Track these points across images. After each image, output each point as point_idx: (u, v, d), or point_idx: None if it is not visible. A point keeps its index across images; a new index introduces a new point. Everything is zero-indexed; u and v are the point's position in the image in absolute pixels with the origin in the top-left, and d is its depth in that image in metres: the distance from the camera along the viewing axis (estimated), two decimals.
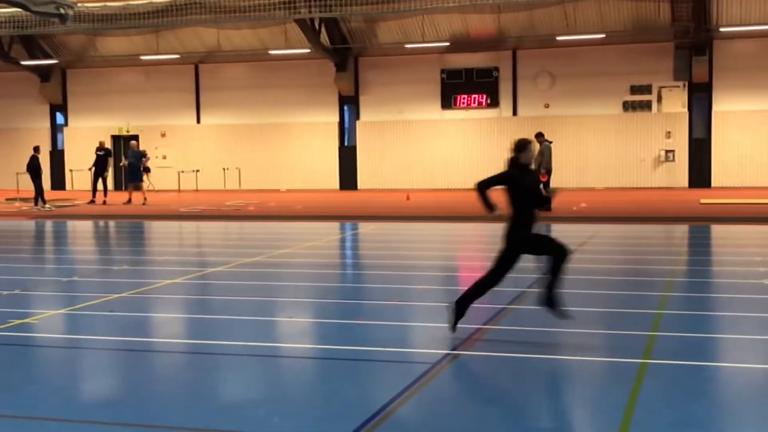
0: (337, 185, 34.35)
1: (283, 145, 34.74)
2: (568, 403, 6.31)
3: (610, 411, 5.83)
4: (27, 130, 36.83)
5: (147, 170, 28.23)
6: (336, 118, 34.47)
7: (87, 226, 21.70)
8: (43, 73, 36.02)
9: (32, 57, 34.54)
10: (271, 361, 7.47)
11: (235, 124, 35.21)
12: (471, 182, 8.80)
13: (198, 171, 33.83)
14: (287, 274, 12.53)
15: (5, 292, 10.77)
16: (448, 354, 7.32)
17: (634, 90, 31.42)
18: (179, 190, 33.13)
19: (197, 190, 33.35)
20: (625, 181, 31.43)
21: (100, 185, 27.59)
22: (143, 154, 27.73)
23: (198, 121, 35.74)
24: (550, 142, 22.02)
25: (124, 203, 26.57)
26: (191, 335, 8.74)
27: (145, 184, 27.83)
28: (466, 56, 32.70)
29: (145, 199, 26.64)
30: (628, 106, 31.54)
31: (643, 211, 21.51)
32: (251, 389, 6.62)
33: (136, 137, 32.71)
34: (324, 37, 31.91)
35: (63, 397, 6.47)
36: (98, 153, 27.96)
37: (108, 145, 30.16)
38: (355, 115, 34.30)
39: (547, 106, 32.26)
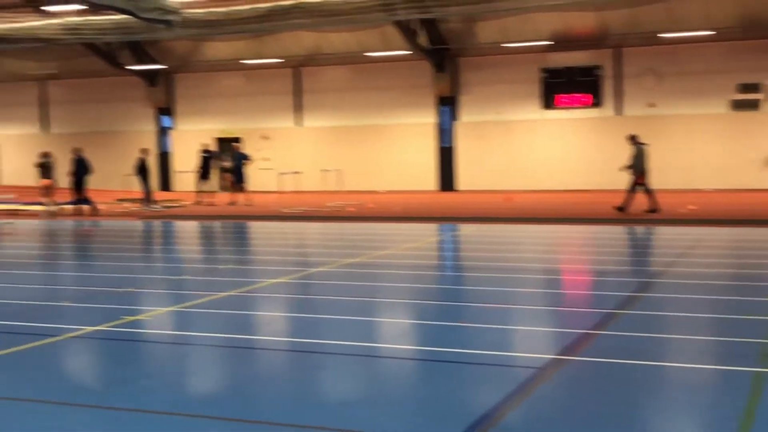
0: (435, 186, 34.32)
1: (381, 146, 34.91)
2: (680, 412, 6.12)
3: (724, 421, 5.63)
4: (134, 133, 37.99)
5: (229, 170, 28.60)
6: (433, 119, 34.43)
7: (193, 226, 22.23)
8: (150, 77, 37.08)
9: (139, 62, 35.60)
10: (372, 361, 7.48)
11: (334, 126, 35.56)
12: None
13: (298, 173, 34.26)
14: (388, 275, 12.56)
15: (118, 290, 11.12)
16: (554, 359, 7.20)
17: (742, 88, 30.40)
18: (280, 192, 33.63)
19: (298, 192, 33.78)
20: (733, 183, 30.43)
21: (204, 186, 28.27)
22: (245, 156, 28.25)
23: (298, 123, 36.21)
24: (645, 144, 21.52)
25: (228, 204, 27.14)
26: (294, 334, 8.85)
27: (219, 185, 28.32)
28: (567, 55, 32.24)
29: (242, 200, 27.11)
30: (735, 105, 30.54)
31: (753, 213, 20.79)
32: (353, 389, 6.64)
33: (238, 140, 33.33)
34: (422, 38, 31.91)
35: (172, 391, 6.64)
36: (203, 155, 28.63)
37: (212, 147, 30.84)
38: (453, 115, 34.19)
39: (652, 105, 31.51)
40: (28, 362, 7.50)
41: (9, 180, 39.08)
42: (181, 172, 35.71)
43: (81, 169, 25.52)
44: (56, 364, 7.74)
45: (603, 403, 6.21)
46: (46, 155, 25.53)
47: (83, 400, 6.33)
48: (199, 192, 28.54)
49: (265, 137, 36.01)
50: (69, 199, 25.89)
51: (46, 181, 25.12)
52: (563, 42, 31.65)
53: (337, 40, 33.42)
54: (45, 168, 25.17)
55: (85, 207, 25.32)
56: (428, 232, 19.65)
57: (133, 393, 6.50)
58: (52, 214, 24.58)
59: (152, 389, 6.64)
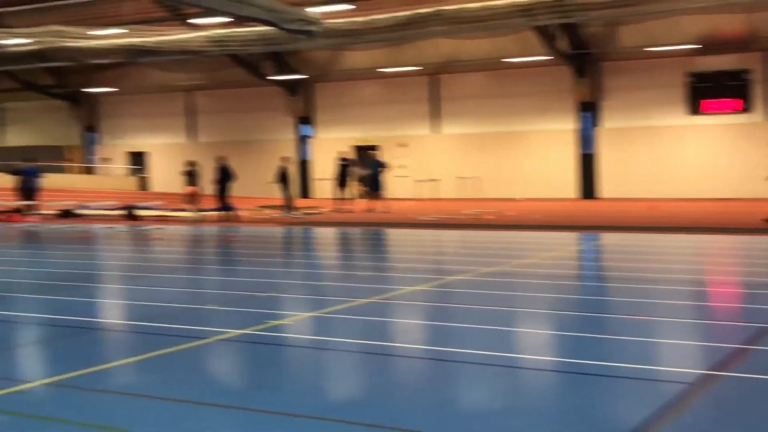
0: (575, 194, 33.69)
1: (519, 153, 34.55)
2: None
3: None
4: (275, 142, 38.97)
5: (366, 178, 28.80)
6: (573, 126, 33.82)
7: (331, 232, 22.56)
8: (291, 87, 37.95)
9: (281, 72, 36.50)
10: (513, 372, 7.36)
11: (471, 133, 35.44)
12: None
13: (436, 180, 34.30)
14: (528, 285, 12.36)
15: (262, 294, 11.39)
16: (705, 374, 6.89)
17: None
18: (417, 199, 33.75)
19: (435, 199, 33.80)
20: None
21: (342, 194, 28.70)
22: (383, 164, 28.49)
23: (435, 130, 36.27)
24: None
25: (365, 211, 27.44)
26: (434, 342, 8.81)
27: (356, 192, 28.53)
28: (714, 58, 31.08)
29: (380, 208, 27.32)
30: None
31: None
32: (493, 399, 6.55)
33: (375, 147, 33.67)
34: (562, 43, 31.41)
35: (315, 395, 6.72)
36: (341, 163, 29.07)
37: (350, 155, 31.26)
38: (595, 121, 33.48)
39: None
40: (178, 363, 7.75)
41: (158, 187, 40.78)
42: (320, 179, 36.36)
43: (224, 177, 26.34)
44: (204, 365, 7.97)
45: (760, 423, 5.90)
46: (191, 164, 26.47)
47: (229, 401, 6.49)
48: (337, 199, 28.97)
49: (402, 145, 36.24)
50: (213, 205, 26.76)
51: (191, 189, 26.03)
52: (710, 45, 30.52)
53: (475, 46, 33.31)
54: (191, 176, 26.10)
55: (228, 213, 26.11)
56: (569, 241, 19.27)
57: (277, 396, 6.63)
58: (197, 221, 25.45)
59: (295, 393, 6.75)
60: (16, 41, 28.60)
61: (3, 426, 6.01)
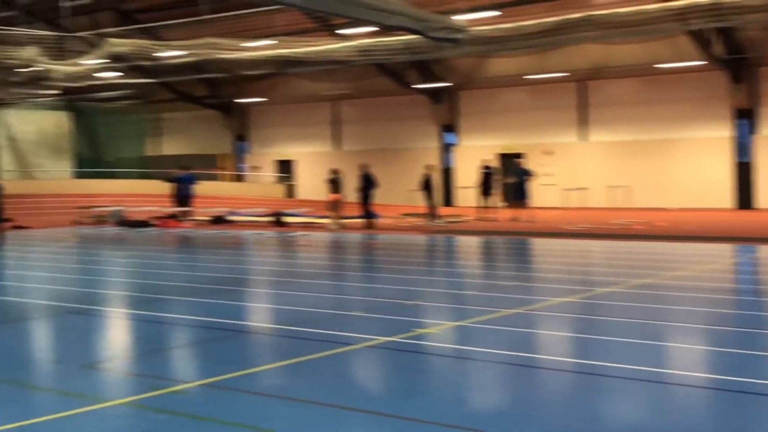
0: (731, 204, 32.30)
1: (671, 161, 33.43)
2: None
3: None
4: (419, 150, 39.13)
5: (511, 186, 28.42)
6: (729, 133, 32.45)
7: (475, 241, 22.42)
8: (435, 95, 38.04)
9: (425, 80, 36.63)
10: (662, 388, 7.06)
11: (620, 140, 34.56)
12: None
13: (584, 189, 33.59)
14: (681, 298, 11.87)
15: (407, 302, 11.41)
16: None
17: None
18: (564, 208, 33.16)
19: (583, 208, 33.10)
20: None
21: (486, 202, 28.52)
22: (528, 172, 28.12)
23: (582, 138, 35.57)
24: None
25: (509, 220, 27.15)
26: (581, 355, 8.58)
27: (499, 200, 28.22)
28: None
29: (525, 217, 26.96)
30: None
31: None
32: (639, 416, 6.30)
33: (520, 155, 33.28)
34: (717, 47, 30.21)
35: (460, 405, 6.67)
36: (484, 171, 28.91)
37: (493, 163, 31.02)
38: (751, 129, 32.03)
39: None
40: (326, 369, 7.84)
41: (304, 194, 41.67)
42: (463, 187, 36.24)
43: (368, 185, 26.63)
44: (351, 371, 8.03)
45: None
46: (335, 172, 26.92)
47: (375, 407, 6.51)
48: (481, 208, 28.80)
49: (548, 153, 35.70)
50: (356, 213, 27.10)
51: (334, 196, 26.46)
52: None
53: (625, 51, 32.47)
54: (334, 183, 26.55)
55: (371, 221, 26.37)
56: (724, 253, 18.46)
57: (422, 404, 6.61)
58: (340, 228, 25.83)
59: (441, 402, 6.72)
60: (173, 53, 29.86)
61: (162, 424, 6.22)
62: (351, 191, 27.45)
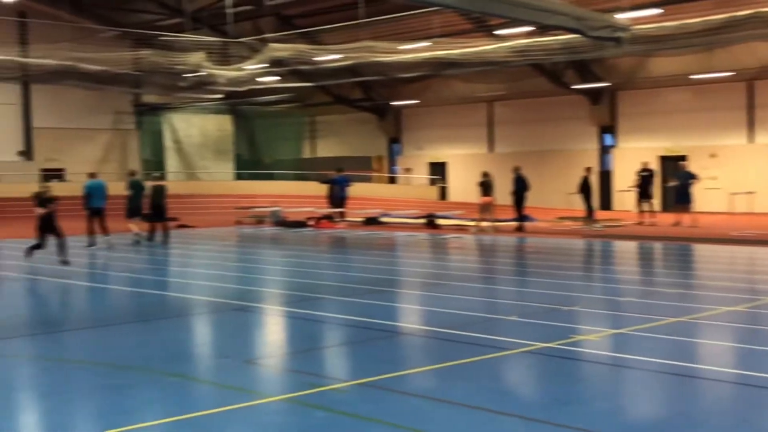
0: None
1: None
2: None
3: None
4: (575, 152, 38.33)
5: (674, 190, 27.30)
6: None
7: (633, 246, 21.73)
8: (594, 96, 37.16)
9: (583, 81, 35.84)
10: None
11: None
12: None
13: (752, 193, 31.98)
14: None
15: (564, 308, 11.15)
16: None
17: None
18: (730, 213, 31.70)
19: (751, 213, 31.52)
20: None
21: (645, 206, 27.62)
22: (692, 175, 27.03)
23: (751, 140, 33.92)
24: None
25: (671, 225, 26.19)
26: (745, 366, 8.13)
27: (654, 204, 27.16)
28: None
29: (687, 222, 25.92)
30: None
31: None
32: None
33: (684, 158, 32.04)
34: None
35: (617, 414, 6.50)
36: (641, 174, 28.01)
37: (653, 165, 29.97)
38: None
39: None
40: (481, 373, 7.76)
41: (455, 197, 41.57)
42: (621, 191, 35.23)
43: (520, 187, 26.24)
44: (507, 376, 7.92)
45: None
46: (486, 175, 26.70)
47: (530, 413, 6.40)
48: (640, 212, 27.91)
49: (714, 155, 34.21)
50: (508, 216, 26.79)
51: (486, 199, 26.25)
52: None
53: None
54: (485, 186, 26.33)
55: (524, 224, 25.99)
56: None
57: (579, 413, 6.45)
58: (491, 231, 25.62)
59: (599, 411, 6.54)
60: (330, 57, 30.45)
61: (321, 421, 6.30)
62: (503, 194, 27.15)
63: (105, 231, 21.59)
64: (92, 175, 22.83)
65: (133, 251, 21.02)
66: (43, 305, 13.28)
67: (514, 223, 26.26)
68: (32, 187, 21.76)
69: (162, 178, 24.51)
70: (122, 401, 6.87)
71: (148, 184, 23.74)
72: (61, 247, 17.61)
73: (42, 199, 17.99)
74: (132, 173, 24.03)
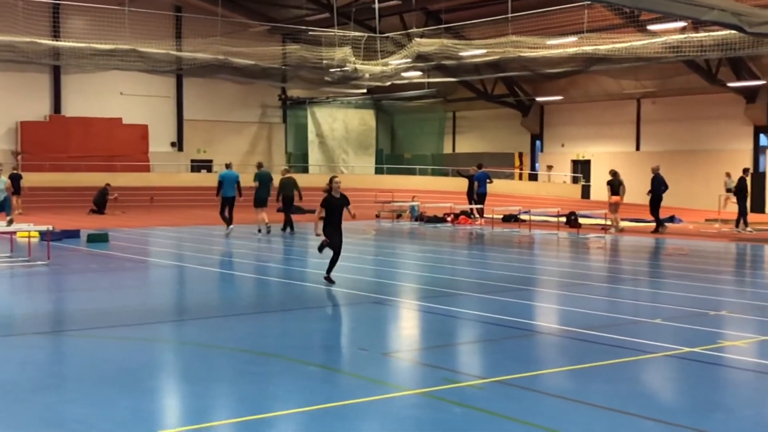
0: None
1: None
2: None
3: None
4: (726, 152, 36.80)
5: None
6: None
7: None
8: (749, 94, 35.58)
9: (738, 78, 34.36)
10: None
11: None
12: None
13: None
14: None
15: (711, 312, 10.74)
16: None
17: None
18: None
19: None
20: None
21: None
22: None
23: None
24: None
25: None
26: None
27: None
28: None
29: None
30: None
31: None
32: None
33: None
34: None
35: (763, 423, 6.23)
36: None
37: None
38: None
39: None
40: (623, 375, 7.58)
41: (598, 196, 40.66)
42: None
43: (658, 187, 25.36)
44: (649, 380, 7.69)
45: None
46: (614, 174, 26.06)
47: (673, 419, 6.22)
48: None
49: None
50: (644, 216, 26.01)
51: (615, 198, 25.62)
52: None
53: None
54: (613, 186, 25.71)
55: (661, 225, 25.13)
56: None
57: (724, 420, 6.25)
58: (619, 231, 24.98)
59: (745, 419, 6.30)
60: (475, 52, 30.31)
61: (458, 417, 6.29)
62: (641, 194, 26.36)
63: (230, 221, 22.40)
64: (227, 166, 23.68)
65: (269, 241, 21.58)
66: (187, 292, 13.79)
67: (652, 225, 25.41)
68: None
69: (289, 171, 25.14)
70: (263, 388, 7.06)
71: (277, 177, 24.37)
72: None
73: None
74: (260, 165, 24.72)
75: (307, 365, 7.81)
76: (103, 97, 40.41)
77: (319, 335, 9.54)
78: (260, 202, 23.32)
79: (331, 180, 13.42)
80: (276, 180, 23.99)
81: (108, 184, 32.92)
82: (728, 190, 32.70)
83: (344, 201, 13.29)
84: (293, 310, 11.17)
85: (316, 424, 6.12)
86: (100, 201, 32.04)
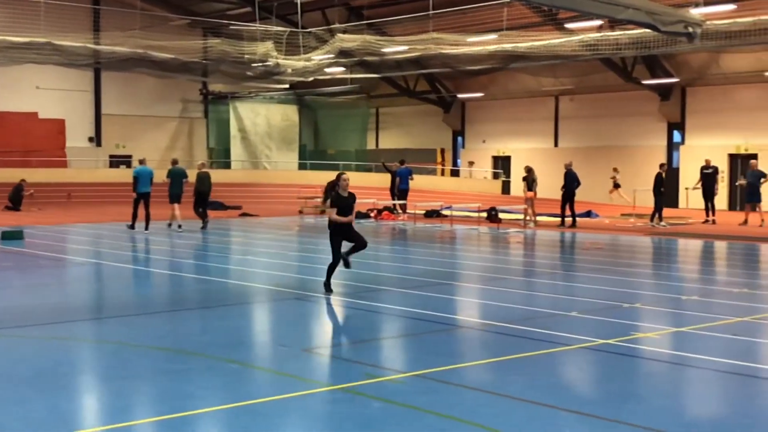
0: None
1: None
2: None
3: None
4: (644, 148, 37.72)
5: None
6: None
7: (698, 245, 21.35)
8: (663, 91, 36.52)
9: (653, 76, 35.25)
10: None
11: None
12: None
13: None
14: None
15: (625, 305, 11.02)
16: None
17: None
18: None
19: None
20: None
21: (709, 204, 27.14)
22: (762, 174, 26.39)
23: None
24: None
25: (739, 224, 25.67)
26: None
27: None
28: None
29: (762, 221, 25.37)
30: None
31: None
32: None
33: (755, 156, 31.33)
34: None
35: (675, 413, 6.43)
36: (704, 171, 27.49)
37: (715, 163, 29.29)
38: None
39: None
40: (539, 367, 7.72)
41: (518, 191, 41.30)
42: (687, 189, 34.63)
43: (571, 183, 25.88)
44: (565, 372, 7.86)
45: None
46: (529, 170, 26.69)
47: (588, 410, 6.36)
48: (706, 210, 27.38)
49: None
50: (554, 211, 26.59)
51: (530, 194, 26.27)
52: None
53: None
54: (528, 182, 26.35)
55: (573, 220, 25.62)
56: None
57: (638, 410, 6.40)
58: (535, 226, 25.55)
59: (657, 408, 6.46)
60: (397, 49, 30.42)
61: (378, 411, 6.33)
62: (555, 190, 26.96)
63: (147, 217, 22.35)
64: (141, 162, 23.48)
65: (187, 237, 21.37)
66: (104, 290, 13.56)
67: (568, 219, 25.86)
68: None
69: (204, 165, 25.08)
70: (182, 387, 7.00)
71: (191, 173, 24.36)
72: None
73: None
74: (174, 162, 24.70)
75: (227, 362, 7.76)
76: (18, 91, 39.31)
77: (239, 332, 9.48)
78: (174, 198, 23.28)
79: (338, 177, 12.10)
80: (192, 176, 23.98)
81: (23, 180, 32.14)
82: (615, 185, 33.77)
83: (352, 200, 12.01)
84: (213, 308, 11.07)
85: (235, 421, 6.10)
86: (16, 197, 31.25)
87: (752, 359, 8.23)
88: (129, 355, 8.17)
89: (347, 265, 11.95)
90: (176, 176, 23.61)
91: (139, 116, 43.55)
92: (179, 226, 22.71)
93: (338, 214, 11.80)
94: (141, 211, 22.41)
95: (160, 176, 24.11)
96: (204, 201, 23.85)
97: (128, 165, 41.22)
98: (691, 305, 11.36)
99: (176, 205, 23.09)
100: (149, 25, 33.09)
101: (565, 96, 40.65)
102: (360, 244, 11.93)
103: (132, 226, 22.50)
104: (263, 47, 29.36)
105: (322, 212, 30.94)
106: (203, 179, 23.74)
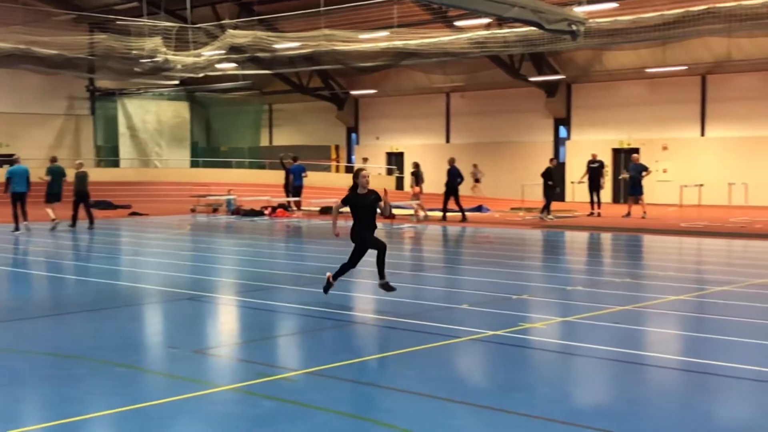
0: None
1: None
2: None
3: None
4: (532, 144, 38.63)
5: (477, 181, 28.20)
6: None
7: (584, 237, 22.02)
8: (549, 88, 37.46)
9: (540, 73, 36.12)
10: None
11: (741, 136, 33.34)
12: None
13: (701, 185, 32.52)
14: None
15: (514, 297, 11.29)
16: None
17: None
18: (680, 205, 32.21)
19: (700, 206, 32.06)
20: None
21: (594, 197, 28.03)
22: (644, 168, 27.42)
23: (702, 133, 34.47)
24: None
25: (622, 216, 26.58)
26: (689, 353, 8.41)
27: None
28: None
29: (644, 213, 26.34)
30: None
31: None
32: (748, 414, 6.12)
33: (636, 150, 32.49)
34: None
35: (563, 400, 6.62)
36: (591, 165, 28.37)
37: (602, 157, 30.27)
38: None
39: None
40: (431, 360, 7.84)
41: (408, 187, 41.70)
42: (575, 182, 35.66)
43: (453, 179, 26.38)
44: (456, 364, 8.01)
45: None
46: (416, 165, 27.25)
47: (480, 401, 6.49)
48: (591, 203, 28.26)
49: (666, 148, 34.71)
50: (439, 206, 27.10)
51: (416, 189, 26.80)
52: None
53: (750, 45, 31.28)
54: (416, 176, 26.88)
55: (460, 214, 26.12)
56: None
57: (527, 399, 6.56)
58: (423, 219, 26.03)
59: (546, 397, 6.65)
60: (289, 45, 30.30)
61: (270, 410, 6.32)
62: (440, 185, 27.48)
63: (25, 216, 21.67)
64: (15, 161, 22.79)
65: (71, 237, 20.85)
66: None
67: (454, 215, 26.28)
68: None
69: (83, 165, 24.45)
70: (69, 392, 6.83)
71: (70, 171, 23.80)
72: None
73: None
74: (53, 159, 24.05)
75: (114, 366, 7.61)
76: None
77: (128, 335, 9.30)
78: (52, 197, 22.67)
79: (357, 173, 11.17)
80: (70, 175, 23.41)
81: None
82: (476, 180, 34.80)
83: (374, 199, 11.08)
84: (101, 310, 10.82)
85: (124, 426, 5.99)
86: None
87: (635, 347, 8.54)
88: (12, 362, 7.92)
89: (388, 287, 10.71)
90: (56, 174, 22.98)
91: (23, 114, 42.10)
92: (54, 226, 22.12)
93: (355, 216, 11.02)
94: (17, 211, 21.74)
95: (40, 174, 23.42)
96: (85, 201, 23.26)
97: (12, 164, 39.83)
98: (577, 295, 11.72)
99: (55, 205, 22.54)
100: (32, 20, 32.06)
101: (456, 93, 41.24)
102: (379, 249, 10.96)
103: (16, 228, 21.65)
104: (151, 43, 28.83)
105: (215, 210, 30.55)
106: (82, 179, 23.15)
